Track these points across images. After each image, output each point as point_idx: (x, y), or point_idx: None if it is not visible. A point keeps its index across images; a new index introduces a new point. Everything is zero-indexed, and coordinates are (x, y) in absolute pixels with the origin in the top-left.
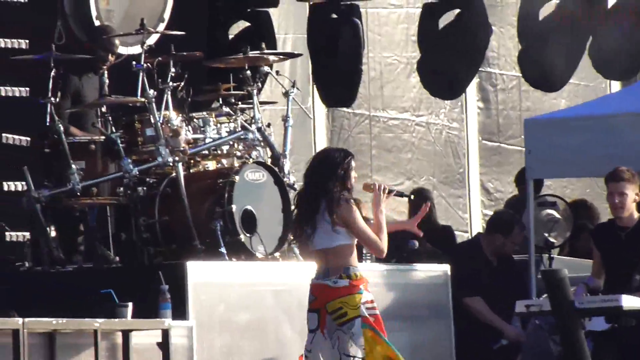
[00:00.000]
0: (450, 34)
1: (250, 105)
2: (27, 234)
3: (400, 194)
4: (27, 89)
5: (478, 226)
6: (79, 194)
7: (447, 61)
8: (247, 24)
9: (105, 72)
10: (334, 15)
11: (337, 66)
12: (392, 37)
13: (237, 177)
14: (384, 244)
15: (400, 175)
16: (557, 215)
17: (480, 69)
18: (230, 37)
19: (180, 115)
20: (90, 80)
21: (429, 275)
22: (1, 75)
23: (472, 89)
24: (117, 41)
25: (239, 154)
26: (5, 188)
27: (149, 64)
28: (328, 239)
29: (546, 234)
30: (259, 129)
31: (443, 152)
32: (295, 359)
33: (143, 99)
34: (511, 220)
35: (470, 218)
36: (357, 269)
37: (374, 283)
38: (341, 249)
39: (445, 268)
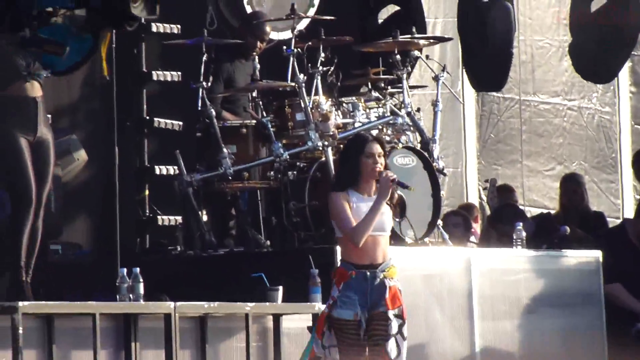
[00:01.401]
0: (602, 17)
1: (400, 90)
2: (179, 218)
3: (404, 186)
4: (179, 73)
5: (630, 212)
6: (230, 177)
7: (599, 44)
8: (397, 7)
9: (256, 57)
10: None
11: (488, 50)
12: (543, 20)
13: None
14: (357, 234)
15: (551, 160)
16: None
17: (632, 53)
18: (380, 21)
19: (330, 99)
20: (242, 65)
21: (580, 261)
22: (154, 60)
23: (624, 72)
24: (268, 27)
25: (388, 138)
26: (158, 172)
27: (299, 49)
28: None
29: None
30: (408, 114)
31: (595, 137)
32: (445, 344)
33: (293, 84)
34: None
35: (622, 203)
36: (341, 263)
37: (524, 269)
38: (338, 241)
39: (597, 254)
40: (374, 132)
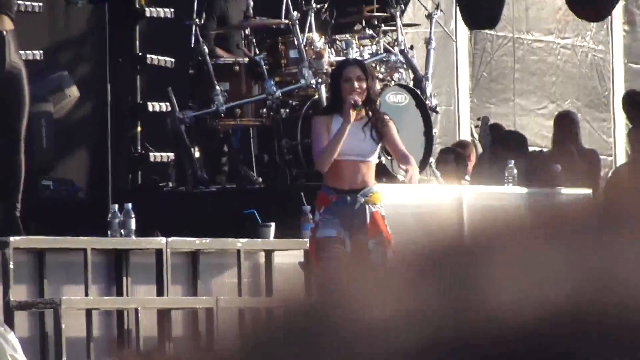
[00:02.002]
0: None
1: (393, 28)
2: (172, 155)
3: (356, 106)
4: (172, 10)
5: (622, 150)
6: (222, 115)
7: None
8: None
9: None
10: None
11: None
12: None
13: (378, 100)
14: (319, 159)
15: (544, 99)
16: None
17: None
18: None
19: (324, 37)
20: (235, 2)
21: (573, 199)
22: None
23: (617, 10)
24: None
25: (381, 76)
26: (150, 109)
27: None
28: None
29: None
30: (401, 52)
31: (588, 75)
32: None
33: (287, 21)
34: None
35: (614, 142)
36: (321, 188)
37: (516, 206)
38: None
39: (589, 192)
40: None
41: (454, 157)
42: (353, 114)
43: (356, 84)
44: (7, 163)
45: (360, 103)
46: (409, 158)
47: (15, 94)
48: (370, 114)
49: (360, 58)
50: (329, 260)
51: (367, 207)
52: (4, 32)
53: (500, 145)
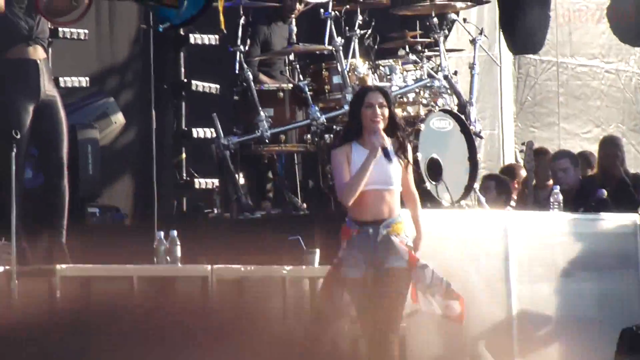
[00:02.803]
0: None
1: (437, 53)
2: (216, 181)
3: (388, 156)
4: (217, 36)
5: None
6: (267, 141)
7: (637, 7)
8: None
9: (294, 20)
10: None
11: (525, 13)
12: None
13: (422, 125)
14: (344, 193)
15: (588, 123)
16: None
17: None
18: None
19: (367, 62)
20: (278, 29)
21: (617, 224)
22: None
23: None
24: None
25: (425, 101)
26: (195, 135)
27: (336, 12)
28: None
29: None
30: (445, 77)
31: (633, 99)
32: (482, 308)
33: (330, 47)
34: None
35: None
36: (348, 220)
37: (561, 232)
38: None
39: (634, 217)
40: (411, 96)
41: (495, 184)
42: (379, 151)
43: (378, 111)
44: (51, 190)
45: (389, 148)
46: (416, 203)
47: (52, 122)
48: (397, 139)
49: (404, 83)
50: (362, 305)
51: (392, 238)
52: (38, 61)
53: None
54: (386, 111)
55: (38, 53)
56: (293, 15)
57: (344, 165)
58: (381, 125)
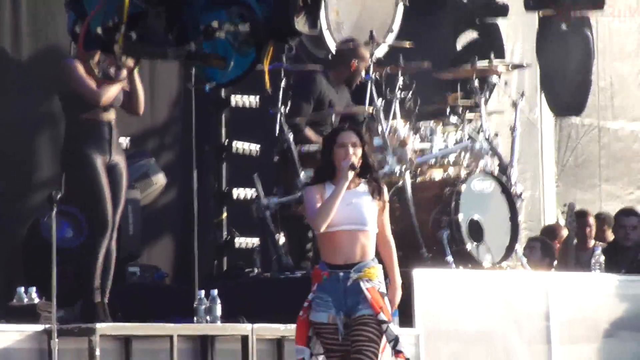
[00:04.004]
0: None
1: (478, 115)
2: (257, 241)
3: (354, 168)
4: (257, 98)
5: None
6: None
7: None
8: (476, 34)
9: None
10: (564, 27)
11: (567, 76)
12: (623, 47)
13: (463, 187)
14: (316, 217)
15: (630, 185)
16: None
17: None
18: (459, 47)
19: (408, 124)
20: (340, 91)
21: None
22: (226, 88)
23: None
24: (362, 49)
25: (465, 163)
26: (236, 196)
27: (377, 74)
28: None
29: None
30: (486, 139)
31: None
32: None
33: (371, 109)
34: None
35: None
36: (320, 262)
37: (602, 293)
38: (317, 242)
39: None
40: (452, 157)
41: (540, 245)
42: (351, 174)
43: (351, 150)
44: (103, 252)
45: (357, 165)
46: (391, 249)
47: (115, 184)
48: (369, 181)
49: (445, 144)
50: (332, 353)
51: (360, 283)
52: (112, 123)
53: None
54: (359, 151)
55: (110, 115)
56: (360, 80)
57: (317, 197)
58: (355, 161)
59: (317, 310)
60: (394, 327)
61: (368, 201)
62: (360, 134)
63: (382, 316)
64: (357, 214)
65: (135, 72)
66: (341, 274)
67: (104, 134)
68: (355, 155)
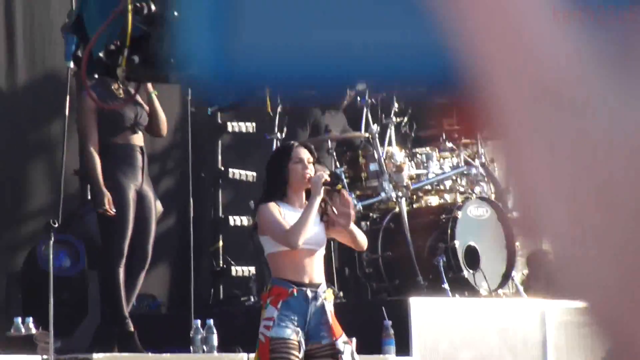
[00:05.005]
0: None
1: (474, 141)
2: (253, 269)
3: (334, 184)
4: (254, 124)
5: None
6: None
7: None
8: None
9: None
10: None
11: None
12: None
13: (460, 213)
14: (293, 233)
15: None
16: None
17: None
18: None
19: (404, 150)
20: (332, 117)
21: None
22: (228, 112)
23: None
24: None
25: (462, 189)
26: (232, 223)
27: (372, 100)
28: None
29: None
30: (482, 164)
31: None
32: None
33: (367, 134)
34: None
35: None
36: (276, 280)
37: None
38: (270, 259)
39: None
40: (448, 183)
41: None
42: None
43: (308, 166)
44: (130, 279)
45: (328, 180)
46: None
47: (145, 211)
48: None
49: (441, 170)
50: None
51: (325, 305)
52: (142, 147)
53: None
54: (311, 167)
55: (140, 139)
56: (346, 102)
57: (278, 214)
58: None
59: (281, 327)
60: (348, 356)
61: (318, 221)
62: (312, 150)
63: (339, 343)
64: (317, 235)
65: (154, 95)
66: (309, 293)
67: (136, 158)
68: (311, 172)
